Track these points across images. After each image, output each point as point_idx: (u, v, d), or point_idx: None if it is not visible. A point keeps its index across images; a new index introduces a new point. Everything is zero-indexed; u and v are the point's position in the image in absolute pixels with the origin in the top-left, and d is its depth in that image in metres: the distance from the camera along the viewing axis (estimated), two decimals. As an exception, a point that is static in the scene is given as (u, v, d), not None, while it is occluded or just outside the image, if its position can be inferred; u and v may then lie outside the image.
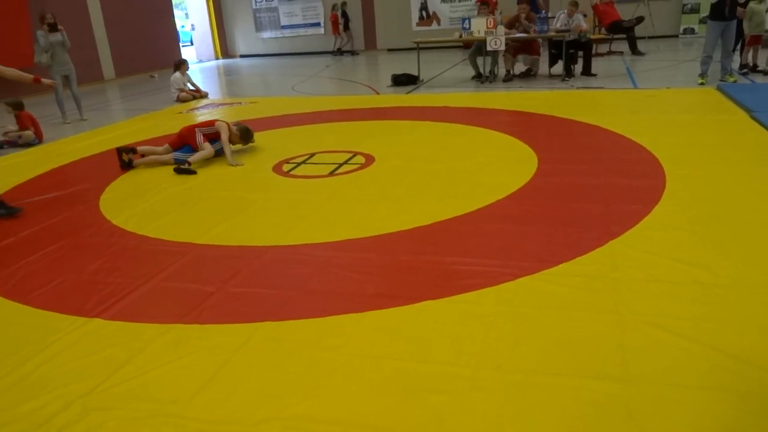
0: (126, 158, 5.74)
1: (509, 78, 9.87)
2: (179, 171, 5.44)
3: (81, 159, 6.29)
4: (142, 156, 5.84)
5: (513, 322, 2.60)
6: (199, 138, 5.78)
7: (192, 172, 5.42)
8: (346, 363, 2.40)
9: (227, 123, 5.97)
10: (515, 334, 2.52)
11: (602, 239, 3.37)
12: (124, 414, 2.18)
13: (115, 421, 2.14)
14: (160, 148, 5.93)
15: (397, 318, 2.72)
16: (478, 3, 12.29)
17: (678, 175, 4.35)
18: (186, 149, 5.80)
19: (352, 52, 16.72)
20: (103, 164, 5.98)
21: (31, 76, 4.85)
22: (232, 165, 5.63)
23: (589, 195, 4.11)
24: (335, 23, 16.49)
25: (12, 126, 7.44)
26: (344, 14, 16.46)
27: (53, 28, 8.17)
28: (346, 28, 16.61)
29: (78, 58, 8.90)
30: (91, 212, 4.52)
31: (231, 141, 5.89)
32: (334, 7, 16.49)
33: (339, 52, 16.66)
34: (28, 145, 7.21)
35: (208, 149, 5.72)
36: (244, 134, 5.99)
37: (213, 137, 5.85)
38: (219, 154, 5.82)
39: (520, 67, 10.23)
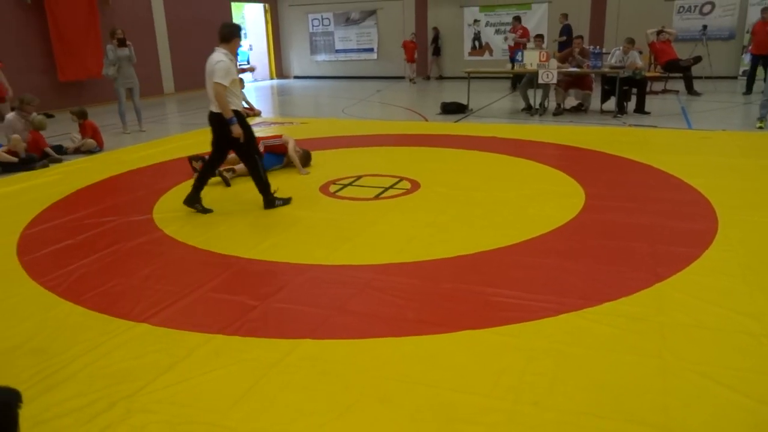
0: (195, 165, 5.87)
1: (560, 112, 9.82)
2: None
3: (138, 168, 6.55)
4: (233, 171, 5.90)
5: (553, 359, 2.57)
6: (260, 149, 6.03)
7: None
8: (381, 386, 2.42)
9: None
10: (555, 370, 2.49)
11: (648, 281, 3.30)
12: (165, 418, 2.25)
13: (156, 425, 2.21)
14: (232, 157, 5.55)
15: (435, 345, 2.72)
16: (515, 33, 12.50)
17: (731, 220, 4.23)
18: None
19: (439, 77, 16.47)
20: (158, 174, 6.21)
21: None
22: (303, 173, 6.08)
23: (637, 234, 4.04)
24: (411, 51, 15.94)
25: (77, 134, 7.82)
26: (435, 39, 16.27)
27: (122, 43, 8.59)
28: (437, 53, 16.43)
29: (141, 72, 9.31)
30: (144, 220, 4.69)
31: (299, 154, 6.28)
32: (412, 35, 16.20)
33: (425, 77, 16.29)
34: (90, 152, 7.55)
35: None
36: (306, 157, 6.34)
37: (274, 149, 6.12)
38: (273, 165, 6.09)
39: (571, 102, 10.17)
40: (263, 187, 4.93)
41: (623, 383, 2.39)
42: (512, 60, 10.46)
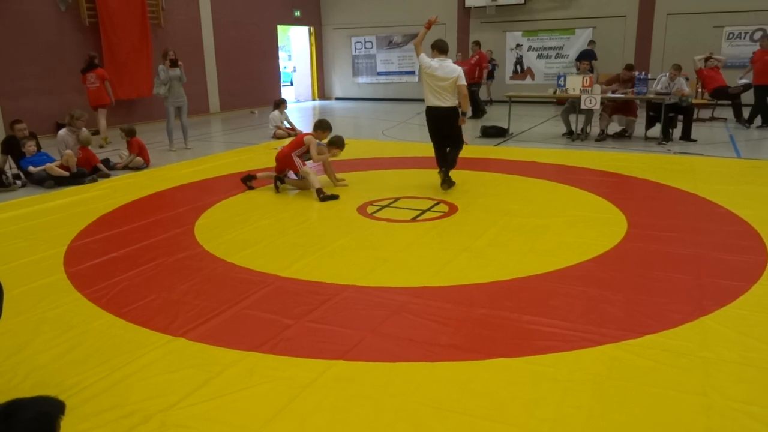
0: (250, 184, 6.44)
1: (603, 137, 9.68)
2: (323, 199, 5.88)
3: (182, 185, 6.72)
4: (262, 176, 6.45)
5: (590, 391, 2.50)
6: (298, 163, 6.27)
7: (335, 197, 5.91)
8: (413, 411, 2.39)
9: (312, 134, 6.47)
10: (592, 403, 2.42)
11: (693, 314, 3.19)
12: (198, 434, 2.27)
13: (189, 440, 2.23)
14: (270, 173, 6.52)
15: (469, 372, 2.69)
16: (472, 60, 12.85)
17: (782, 254, 4.07)
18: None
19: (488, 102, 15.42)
20: (201, 191, 6.36)
21: None
22: (337, 184, 6.35)
23: (681, 265, 3.92)
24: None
25: (125, 151, 8.09)
26: (491, 60, 15.17)
27: (174, 63, 8.89)
28: (491, 77, 15.16)
29: (189, 91, 9.60)
30: (186, 236, 4.80)
31: (325, 152, 6.43)
32: (458, 55, 14.86)
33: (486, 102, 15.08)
34: (137, 168, 7.80)
35: (313, 174, 6.16)
36: (339, 142, 6.54)
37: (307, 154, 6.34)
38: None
39: (614, 128, 10.02)
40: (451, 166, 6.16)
41: (664, 420, 2.30)
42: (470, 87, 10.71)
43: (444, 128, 6.13)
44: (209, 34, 14.57)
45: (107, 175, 7.32)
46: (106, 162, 7.66)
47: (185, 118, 9.31)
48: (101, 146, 9.53)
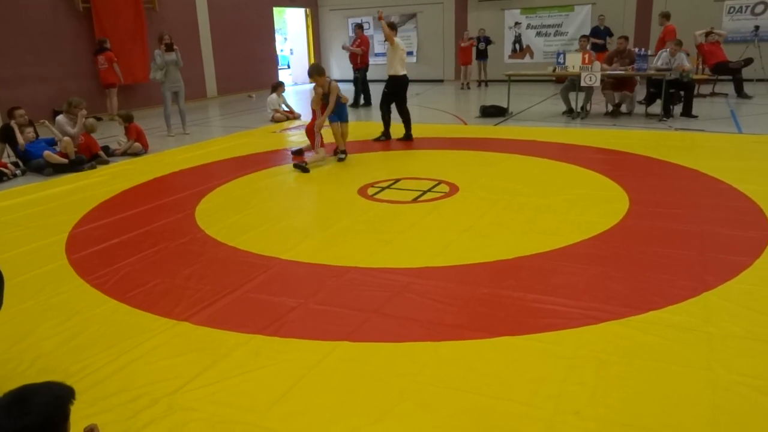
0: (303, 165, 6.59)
1: (616, 113, 9.70)
2: (295, 166, 6.41)
3: (182, 170, 6.70)
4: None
5: (595, 368, 2.51)
6: (317, 140, 6.76)
7: (305, 170, 6.31)
8: (419, 391, 2.40)
9: (316, 94, 6.80)
10: (596, 380, 2.42)
11: (696, 289, 3.19)
12: (205, 416, 2.28)
13: (196, 423, 2.24)
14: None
15: (473, 351, 2.69)
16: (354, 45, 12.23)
17: (785, 228, 4.06)
18: None
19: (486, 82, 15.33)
20: (201, 176, 6.34)
21: None
22: (339, 156, 6.86)
23: (684, 242, 3.92)
24: (467, 53, 14.81)
25: (123, 137, 8.05)
26: (487, 41, 14.88)
27: (169, 48, 8.80)
28: (484, 56, 14.94)
29: (186, 76, 9.52)
30: (187, 221, 4.79)
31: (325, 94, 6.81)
32: (465, 34, 15.15)
33: (478, 83, 15.24)
34: (136, 154, 7.76)
35: (321, 153, 6.72)
36: (317, 69, 6.85)
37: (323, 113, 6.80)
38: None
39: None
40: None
41: (669, 395, 2.31)
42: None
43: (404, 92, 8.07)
44: (205, 18, 14.42)
45: (106, 162, 7.28)
46: (105, 149, 7.62)
47: (182, 103, 9.24)
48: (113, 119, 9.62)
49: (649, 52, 10.59)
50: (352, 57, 12.24)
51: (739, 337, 2.71)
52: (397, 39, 7.97)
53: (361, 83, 12.25)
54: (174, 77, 8.96)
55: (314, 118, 7.00)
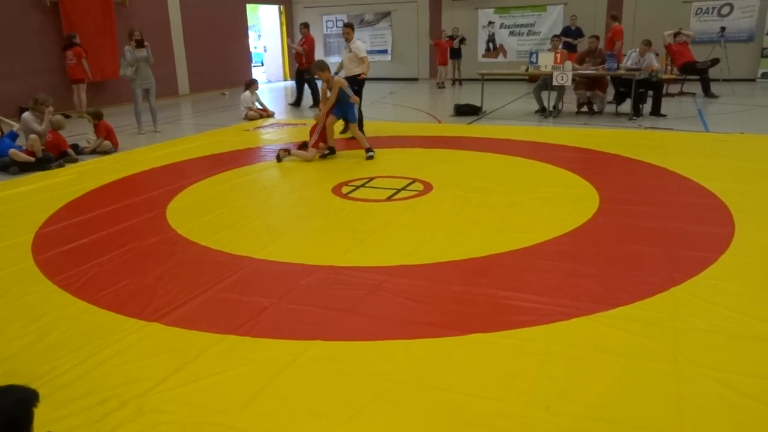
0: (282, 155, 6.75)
1: (589, 111, 9.91)
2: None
3: (152, 168, 6.60)
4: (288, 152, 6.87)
5: (565, 363, 2.55)
6: (313, 138, 6.85)
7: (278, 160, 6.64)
8: (392, 389, 2.41)
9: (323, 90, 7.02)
10: (567, 375, 2.46)
11: (663, 285, 3.26)
12: (176, 418, 2.25)
13: (167, 425, 2.21)
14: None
15: (446, 348, 2.71)
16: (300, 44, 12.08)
17: (748, 225, 4.17)
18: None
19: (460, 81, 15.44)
20: (172, 174, 6.26)
21: None
22: (322, 151, 6.92)
23: (652, 238, 4.00)
24: (443, 52, 14.94)
25: (92, 135, 7.90)
26: (462, 41, 15.07)
27: (140, 44, 8.66)
28: (458, 55, 15.14)
29: (157, 73, 9.38)
30: (158, 220, 4.72)
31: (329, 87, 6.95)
32: (443, 33, 15.31)
33: (453, 82, 15.31)
34: (106, 152, 7.62)
35: (310, 154, 6.77)
36: (318, 65, 6.93)
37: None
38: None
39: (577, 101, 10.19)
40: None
41: (637, 388, 2.35)
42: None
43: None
44: (176, 14, 14.22)
45: (75, 160, 7.14)
46: (74, 147, 7.46)
47: (153, 101, 9.10)
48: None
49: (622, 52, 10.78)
50: (297, 56, 12.05)
51: (703, 331, 2.78)
52: (357, 41, 8.49)
53: (307, 83, 11.88)
54: (145, 74, 8.82)
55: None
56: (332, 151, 6.95)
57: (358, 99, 7.37)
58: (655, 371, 2.47)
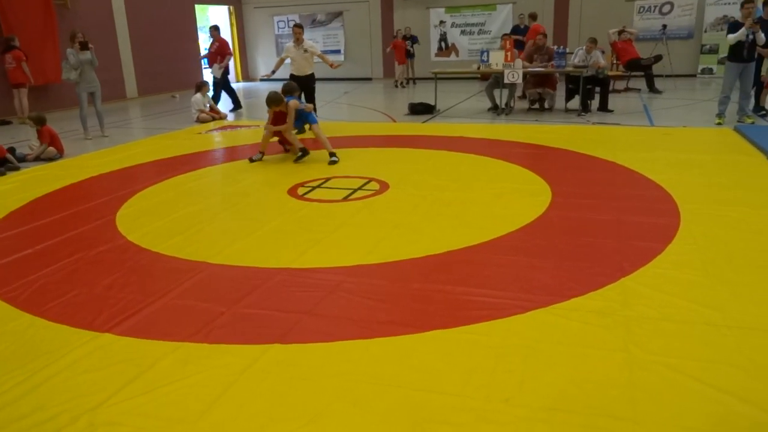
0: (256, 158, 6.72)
1: (544, 108, 10.12)
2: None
3: (100, 175, 6.40)
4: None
5: (522, 356, 2.59)
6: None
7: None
8: (352, 389, 2.40)
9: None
10: (524, 367, 2.50)
11: (614, 276, 3.35)
12: (130, 430, 2.19)
13: (120, 437, 2.15)
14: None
15: (405, 346, 2.71)
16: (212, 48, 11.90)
17: (693, 215, 4.33)
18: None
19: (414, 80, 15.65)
20: (121, 180, 6.08)
21: None
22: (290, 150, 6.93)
23: (602, 230, 4.11)
24: (402, 51, 14.98)
25: (35, 141, 7.60)
26: (414, 40, 15.27)
27: (84, 46, 8.39)
28: (412, 55, 15.34)
29: (103, 76, 9.11)
30: (107, 227, 4.58)
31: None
32: (397, 32, 15.33)
33: (407, 81, 15.39)
34: (50, 159, 7.35)
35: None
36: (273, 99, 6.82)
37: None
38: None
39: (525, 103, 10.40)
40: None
41: (591, 377, 2.41)
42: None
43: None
44: (122, 15, 13.85)
45: (16, 168, 6.86)
46: (11, 150, 7.14)
47: (99, 104, 8.84)
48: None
49: (567, 50, 11.04)
50: (211, 60, 11.55)
51: (652, 319, 2.87)
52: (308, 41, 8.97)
53: (223, 87, 11.55)
54: (89, 77, 8.55)
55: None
56: (305, 152, 6.73)
57: (312, 106, 7.42)
58: (607, 360, 2.54)
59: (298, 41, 8.76)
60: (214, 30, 11.71)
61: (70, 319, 3.08)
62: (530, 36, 11.88)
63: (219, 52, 11.48)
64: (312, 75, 9.03)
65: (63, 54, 8.90)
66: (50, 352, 2.77)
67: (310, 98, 8.74)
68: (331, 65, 8.74)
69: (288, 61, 9.16)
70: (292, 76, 8.56)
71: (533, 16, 13.04)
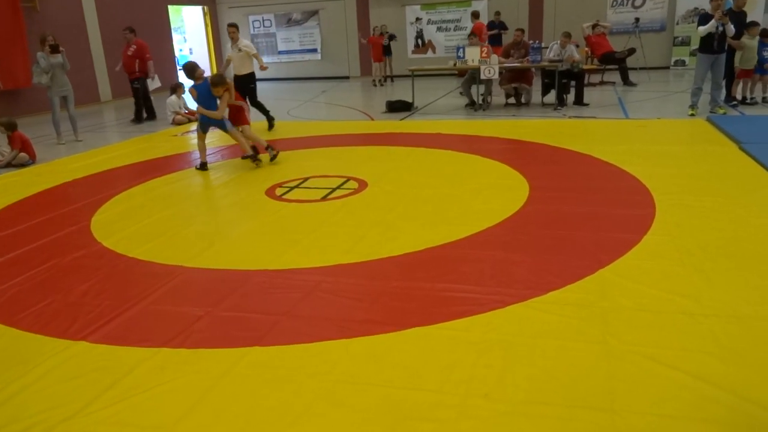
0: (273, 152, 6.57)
1: (518, 104, 10.19)
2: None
3: (74, 180, 6.29)
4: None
5: (502, 350, 2.60)
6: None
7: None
8: (332, 390, 2.39)
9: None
10: (504, 362, 2.51)
11: (591, 268, 3.38)
12: (107, 439, 2.15)
13: (96, 447, 2.11)
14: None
15: (385, 345, 2.71)
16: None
17: (668, 205, 4.38)
18: None
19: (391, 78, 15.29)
20: (96, 185, 5.98)
21: None
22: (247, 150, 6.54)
23: (579, 223, 4.14)
24: (378, 48, 14.64)
25: (5, 147, 7.45)
26: (392, 38, 14.90)
27: (54, 49, 8.23)
28: (389, 53, 14.95)
29: (75, 79, 8.96)
30: (81, 233, 4.51)
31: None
32: (374, 30, 15.09)
33: (385, 79, 15.08)
34: (22, 165, 7.21)
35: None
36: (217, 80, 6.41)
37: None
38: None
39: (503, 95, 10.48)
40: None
41: (570, 370, 2.43)
42: None
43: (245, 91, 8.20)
44: (93, 17, 13.62)
45: (-13, 175, 6.72)
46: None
47: (72, 108, 8.69)
48: None
49: (543, 45, 11.11)
50: (127, 65, 10.31)
51: (629, 310, 2.90)
52: (243, 40, 8.77)
53: (141, 94, 10.49)
54: (61, 81, 8.41)
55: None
56: (256, 150, 6.54)
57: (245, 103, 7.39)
58: (586, 352, 2.56)
59: (234, 41, 8.55)
60: (130, 32, 10.30)
61: (44, 328, 3.03)
62: (475, 31, 12.21)
63: (137, 55, 10.22)
64: (251, 75, 8.69)
65: (33, 57, 8.74)
66: (23, 362, 2.71)
67: (252, 99, 8.62)
68: (262, 67, 8.22)
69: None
70: (235, 77, 8.43)
71: (475, 15, 13.62)
